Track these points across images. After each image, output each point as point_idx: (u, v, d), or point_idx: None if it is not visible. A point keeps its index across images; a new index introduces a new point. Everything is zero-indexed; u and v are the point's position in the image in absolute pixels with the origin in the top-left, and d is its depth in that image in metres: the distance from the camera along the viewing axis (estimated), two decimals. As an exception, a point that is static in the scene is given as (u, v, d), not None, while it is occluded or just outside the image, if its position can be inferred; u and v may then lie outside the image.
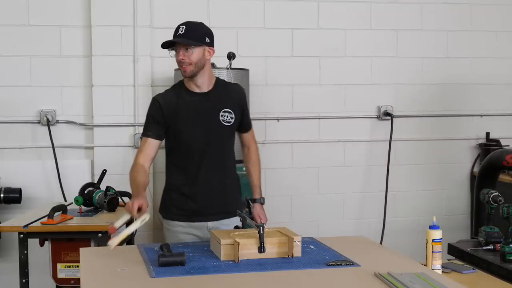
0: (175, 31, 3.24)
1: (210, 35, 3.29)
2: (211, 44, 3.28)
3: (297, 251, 2.80)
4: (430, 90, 5.48)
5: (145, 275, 2.55)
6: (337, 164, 5.34)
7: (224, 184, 3.29)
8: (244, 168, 4.77)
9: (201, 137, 3.23)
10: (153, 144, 3.23)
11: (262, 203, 3.40)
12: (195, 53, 3.18)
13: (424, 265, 2.84)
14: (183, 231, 3.25)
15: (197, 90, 3.26)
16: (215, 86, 3.29)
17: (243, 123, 3.38)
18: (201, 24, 3.29)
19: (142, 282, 2.47)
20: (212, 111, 3.25)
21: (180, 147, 3.26)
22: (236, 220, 3.25)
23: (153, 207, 4.97)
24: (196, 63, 3.19)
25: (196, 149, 3.24)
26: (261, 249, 2.75)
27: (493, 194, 3.40)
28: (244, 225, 3.11)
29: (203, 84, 3.26)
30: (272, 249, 2.79)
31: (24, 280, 3.73)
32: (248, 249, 2.74)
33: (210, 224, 3.25)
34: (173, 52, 3.24)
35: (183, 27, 3.19)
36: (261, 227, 2.75)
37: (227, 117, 3.27)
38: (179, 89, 3.30)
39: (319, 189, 5.32)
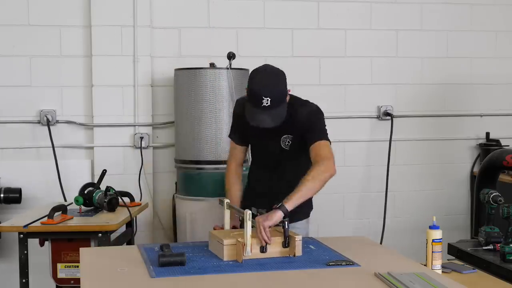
0: (257, 99, 2.97)
1: (286, 84, 3.11)
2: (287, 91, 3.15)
3: (298, 250, 2.80)
4: (430, 90, 5.48)
5: (145, 275, 2.55)
6: (337, 164, 5.29)
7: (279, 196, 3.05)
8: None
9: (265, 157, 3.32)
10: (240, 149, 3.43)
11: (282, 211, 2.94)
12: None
13: (424, 265, 2.84)
14: None
15: None
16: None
17: (307, 139, 3.17)
18: (277, 80, 3.07)
19: (142, 282, 2.47)
20: (275, 137, 3.21)
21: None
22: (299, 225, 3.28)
23: (153, 207, 4.97)
24: None
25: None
26: (263, 248, 2.76)
27: (493, 194, 3.40)
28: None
29: None
30: (274, 249, 2.80)
31: (24, 280, 3.73)
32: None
33: None
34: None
35: (267, 99, 2.96)
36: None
37: (288, 141, 3.22)
38: None
39: (319, 189, 5.31)
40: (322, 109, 3.29)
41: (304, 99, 3.32)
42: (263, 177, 3.35)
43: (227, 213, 3.06)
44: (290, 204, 2.91)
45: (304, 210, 3.28)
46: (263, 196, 3.24)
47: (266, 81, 3.02)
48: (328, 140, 3.19)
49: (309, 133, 3.16)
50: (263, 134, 3.18)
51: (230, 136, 3.44)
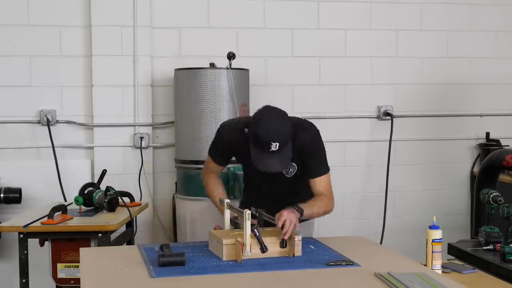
0: (265, 145, 2.86)
1: (290, 124, 2.96)
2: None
3: (298, 250, 2.80)
4: (430, 90, 5.48)
5: (145, 275, 2.55)
6: (337, 164, 5.31)
7: None
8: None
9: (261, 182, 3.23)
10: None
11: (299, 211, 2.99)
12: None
13: (424, 265, 2.84)
14: None
15: None
16: None
17: (307, 170, 3.16)
18: (283, 123, 2.93)
19: (142, 282, 2.47)
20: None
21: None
22: None
23: (153, 207, 4.97)
24: None
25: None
26: (262, 249, 2.76)
27: (493, 194, 3.40)
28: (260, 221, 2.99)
29: None
30: (274, 248, 2.80)
31: (24, 280, 3.73)
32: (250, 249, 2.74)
33: None
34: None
35: (276, 144, 2.86)
36: (256, 229, 2.76)
37: (291, 170, 3.16)
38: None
39: (319, 189, 5.31)
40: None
41: (298, 117, 3.21)
42: (258, 195, 3.29)
43: (227, 213, 3.06)
44: (305, 211, 2.98)
45: None
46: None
47: (273, 125, 2.90)
48: (329, 170, 3.19)
49: (311, 163, 3.13)
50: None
51: (211, 155, 3.29)
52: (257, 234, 2.76)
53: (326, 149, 3.21)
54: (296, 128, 3.04)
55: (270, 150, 2.87)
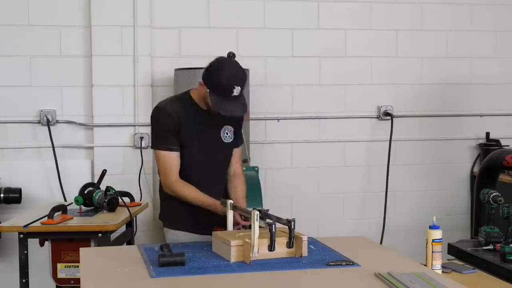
0: (227, 90, 3.02)
1: (244, 71, 3.19)
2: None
3: (305, 250, 2.78)
4: (430, 90, 5.48)
5: (145, 275, 2.54)
6: (337, 164, 5.34)
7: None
8: (256, 168, 4.72)
9: (201, 154, 3.22)
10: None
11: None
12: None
13: (424, 265, 2.84)
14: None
15: (204, 107, 3.20)
16: None
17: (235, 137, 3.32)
18: (242, 69, 3.15)
19: (142, 282, 2.47)
20: (213, 127, 3.24)
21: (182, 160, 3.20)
22: None
23: (153, 206, 4.97)
24: None
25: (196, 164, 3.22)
26: (271, 247, 2.73)
27: (493, 194, 3.40)
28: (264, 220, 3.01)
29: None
30: (280, 249, 2.77)
31: (24, 280, 3.73)
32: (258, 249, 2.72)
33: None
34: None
35: (238, 89, 3.03)
36: (273, 225, 2.73)
37: (227, 134, 3.28)
38: (185, 101, 3.22)
39: (319, 189, 5.32)
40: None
41: None
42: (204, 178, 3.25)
43: (230, 213, 3.05)
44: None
45: None
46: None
47: (234, 71, 3.08)
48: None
49: (239, 130, 3.34)
50: (201, 125, 3.19)
51: (166, 147, 3.15)
52: (274, 230, 2.73)
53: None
54: None
55: (232, 95, 3.02)
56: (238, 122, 3.34)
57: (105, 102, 4.92)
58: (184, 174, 3.21)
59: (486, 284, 2.84)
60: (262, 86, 5.12)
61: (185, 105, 3.20)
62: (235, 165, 3.38)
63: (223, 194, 3.31)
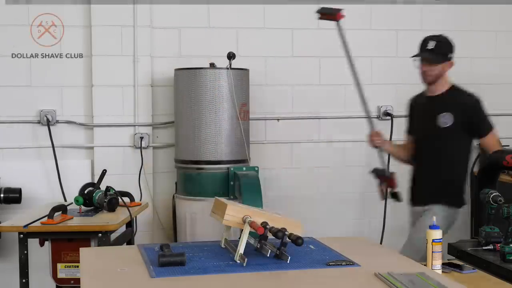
0: (422, 43, 3.84)
1: (453, 50, 3.80)
2: (451, 58, 3.81)
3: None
4: (430, 90, 5.47)
5: (145, 275, 2.54)
6: (337, 164, 5.34)
7: (432, 178, 3.93)
8: (256, 168, 4.74)
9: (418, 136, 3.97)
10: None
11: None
12: (437, 69, 3.78)
13: (424, 265, 2.84)
14: None
15: (429, 94, 3.89)
16: (447, 93, 3.86)
17: (472, 129, 3.88)
18: (446, 39, 3.81)
19: (142, 282, 2.47)
20: (432, 113, 3.81)
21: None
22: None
23: (153, 207, 4.97)
24: (437, 75, 3.80)
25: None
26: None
27: (493, 194, 3.40)
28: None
29: (436, 90, 3.87)
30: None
31: (24, 280, 3.73)
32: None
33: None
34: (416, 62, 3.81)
35: (433, 43, 3.75)
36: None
37: (444, 119, 3.78)
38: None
39: (319, 189, 5.32)
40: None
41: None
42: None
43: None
44: None
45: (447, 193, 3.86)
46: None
47: (434, 36, 3.80)
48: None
49: (473, 124, 3.86)
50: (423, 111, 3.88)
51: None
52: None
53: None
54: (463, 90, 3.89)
55: (426, 48, 3.74)
56: (462, 110, 3.84)
57: (105, 102, 4.92)
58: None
59: (486, 284, 2.83)
60: (262, 86, 5.12)
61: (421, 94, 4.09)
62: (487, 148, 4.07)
63: None
